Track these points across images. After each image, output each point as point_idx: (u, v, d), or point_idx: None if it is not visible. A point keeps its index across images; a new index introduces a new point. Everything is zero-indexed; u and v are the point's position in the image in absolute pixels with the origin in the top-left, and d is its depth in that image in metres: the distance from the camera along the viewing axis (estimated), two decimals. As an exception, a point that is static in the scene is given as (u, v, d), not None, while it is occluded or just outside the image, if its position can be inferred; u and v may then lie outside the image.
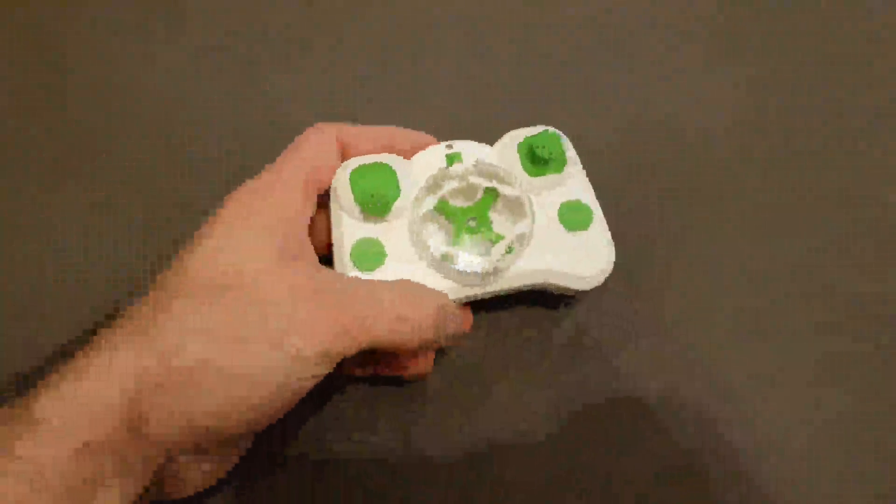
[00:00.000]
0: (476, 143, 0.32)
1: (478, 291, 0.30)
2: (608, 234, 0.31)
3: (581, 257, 0.30)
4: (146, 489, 0.24)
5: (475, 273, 0.29)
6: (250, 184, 0.28)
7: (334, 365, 0.25)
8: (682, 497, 0.32)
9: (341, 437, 0.33)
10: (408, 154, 0.32)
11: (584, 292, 0.31)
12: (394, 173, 0.30)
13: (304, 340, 0.24)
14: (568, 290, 0.31)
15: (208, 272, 0.25)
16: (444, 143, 0.32)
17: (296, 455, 0.33)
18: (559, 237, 0.31)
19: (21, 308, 0.36)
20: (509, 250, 0.30)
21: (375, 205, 0.29)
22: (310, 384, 0.25)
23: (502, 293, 0.31)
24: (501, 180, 0.31)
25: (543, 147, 0.30)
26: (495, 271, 0.29)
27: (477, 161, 0.31)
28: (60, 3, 0.46)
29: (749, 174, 0.40)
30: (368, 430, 0.33)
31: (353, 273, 0.29)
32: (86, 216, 0.39)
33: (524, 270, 0.30)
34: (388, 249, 0.30)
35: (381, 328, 0.26)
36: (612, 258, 0.31)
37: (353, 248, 0.30)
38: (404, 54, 0.44)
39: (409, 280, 0.29)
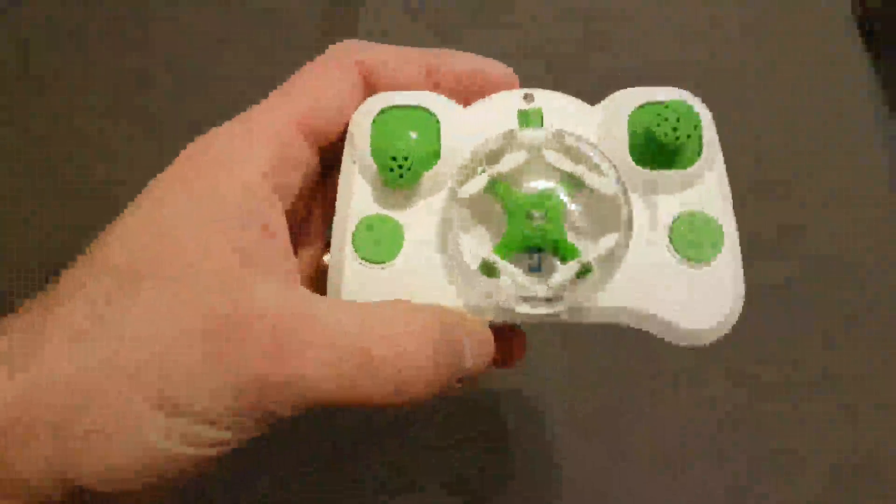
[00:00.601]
0: (570, 97, 0.22)
1: (524, 318, 0.20)
2: (740, 272, 0.20)
3: (694, 301, 0.20)
4: None
5: (522, 300, 0.20)
6: (212, 133, 0.19)
7: (259, 428, 0.18)
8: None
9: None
10: (465, 96, 0.22)
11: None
12: (436, 125, 0.21)
13: (189, 397, 0.16)
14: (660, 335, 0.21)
15: (107, 272, 0.17)
16: (520, 91, 0.22)
17: None
18: (664, 266, 0.20)
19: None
20: (584, 272, 0.20)
21: (398, 172, 0.20)
22: (213, 452, 0.17)
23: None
24: (593, 167, 0.20)
25: (673, 130, 0.19)
26: (556, 298, 0.20)
27: (561, 131, 0.20)
28: None
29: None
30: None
31: (353, 262, 0.20)
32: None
33: (602, 307, 0.20)
34: (407, 236, 0.20)
35: (327, 378, 0.17)
36: (738, 309, 0.20)
37: (360, 226, 0.20)
38: None
39: (397, 302, 0.19)
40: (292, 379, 0.17)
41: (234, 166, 0.19)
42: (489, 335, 0.20)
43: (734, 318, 0.20)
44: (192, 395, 0.16)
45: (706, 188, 0.21)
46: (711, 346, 0.20)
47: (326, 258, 0.23)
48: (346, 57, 0.21)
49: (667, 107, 0.19)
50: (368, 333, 0.18)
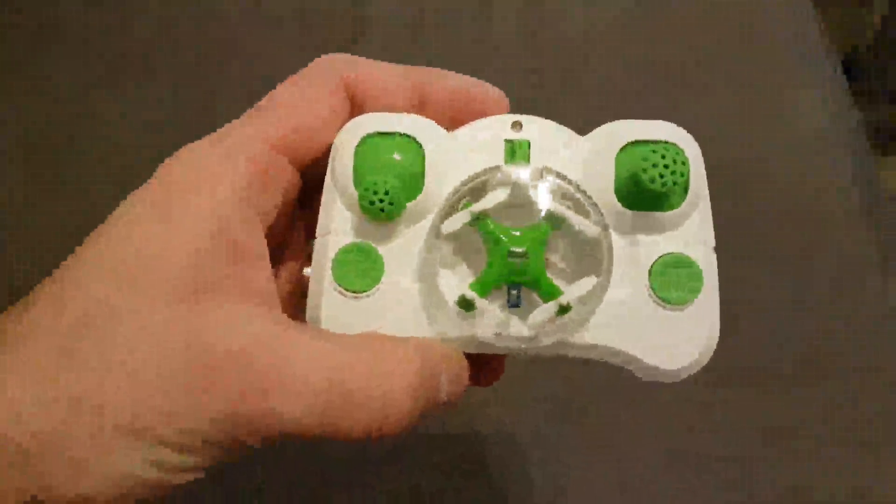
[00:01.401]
0: (558, 126, 0.21)
1: (501, 350, 0.21)
2: (716, 314, 0.21)
3: (670, 343, 0.20)
4: None
5: (499, 337, 0.20)
6: (170, 161, 0.19)
7: (231, 457, 0.18)
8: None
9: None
10: (450, 118, 0.21)
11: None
12: (421, 153, 0.20)
13: (162, 428, 0.16)
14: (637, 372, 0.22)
15: (75, 301, 0.17)
16: (508, 117, 0.21)
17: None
18: (642, 307, 0.20)
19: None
20: (562, 311, 0.20)
21: (379, 206, 0.19)
22: (184, 478, 0.17)
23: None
24: (577, 207, 0.20)
25: (660, 177, 0.19)
26: (534, 338, 0.20)
27: (547, 169, 0.20)
28: None
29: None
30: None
31: (332, 291, 0.20)
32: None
33: (579, 345, 0.21)
34: (387, 267, 0.20)
35: (304, 413, 0.17)
36: (712, 349, 0.21)
37: (340, 254, 0.20)
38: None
39: (375, 335, 0.19)
40: (267, 414, 0.17)
41: (209, 187, 0.18)
42: (465, 366, 0.20)
43: (707, 357, 0.21)
44: (165, 426, 0.16)
45: (689, 230, 0.21)
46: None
47: (307, 271, 0.23)
48: (329, 72, 0.20)
49: (655, 151, 0.19)
50: (346, 369, 0.17)
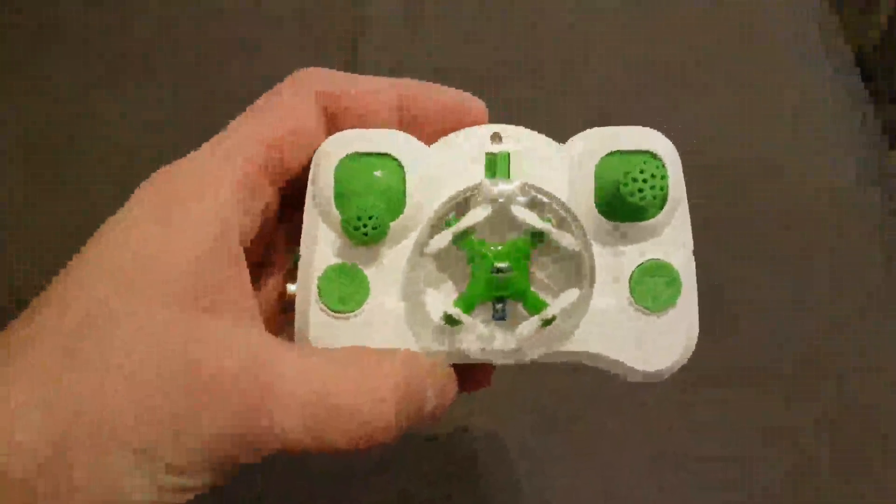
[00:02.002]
0: (537, 135, 0.21)
1: (482, 358, 0.21)
2: (695, 316, 0.21)
3: (650, 346, 0.21)
4: None
5: (485, 351, 0.21)
6: (164, 172, 0.19)
7: (227, 476, 0.18)
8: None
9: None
10: (429, 132, 0.21)
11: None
12: (400, 172, 0.20)
13: (163, 449, 0.16)
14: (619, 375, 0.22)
15: (76, 311, 0.17)
16: (488, 128, 0.21)
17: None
18: (624, 314, 0.21)
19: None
20: (547, 324, 0.20)
21: (362, 230, 0.19)
22: (182, 498, 0.17)
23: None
24: (558, 221, 0.21)
25: (639, 191, 0.19)
26: (519, 351, 0.21)
27: (527, 185, 0.21)
28: None
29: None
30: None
31: (318, 311, 0.20)
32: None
33: (562, 352, 0.21)
34: (373, 286, 0.20)
35: (295, 428, 0.17)
36: (692, 348, 0.21)
37: (325, 274, 0.20)
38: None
39: (362, 349, 0.19)
40: (264, 431, 0.17)
41: (212, 191, 0.18)
42: (452, 379, 0.21)
43: (688, 356, 0.21)
44: (166, 446, 0.16)
45: (668, 237, 0.21)
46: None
47: (292, 288, 0.23)
48: (305, 87, 0.20)
49: (634, 164, 0.19)
50: (332, 384, 0.18)
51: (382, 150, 0.20)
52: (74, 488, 0.16)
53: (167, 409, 0.16)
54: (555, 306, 0.20)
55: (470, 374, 0.22)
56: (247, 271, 0.19)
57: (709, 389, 0.35)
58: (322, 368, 0.18)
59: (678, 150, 0.21)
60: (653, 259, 0.21)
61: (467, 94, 0.21)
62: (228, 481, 0.18)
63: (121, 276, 0.17)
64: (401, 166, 0.20)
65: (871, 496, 0.33)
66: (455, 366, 0.21)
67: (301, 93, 0.20)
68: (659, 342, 0.21)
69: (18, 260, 0.38)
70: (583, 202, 0.21)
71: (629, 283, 0.21)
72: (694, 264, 0.21)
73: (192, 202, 0.18)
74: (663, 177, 0.19)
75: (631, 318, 0.21)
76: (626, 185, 0.19)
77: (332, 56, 0.45)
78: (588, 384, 0.34)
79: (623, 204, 0.20)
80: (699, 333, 0.21)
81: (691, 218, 0.21)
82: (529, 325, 0.20)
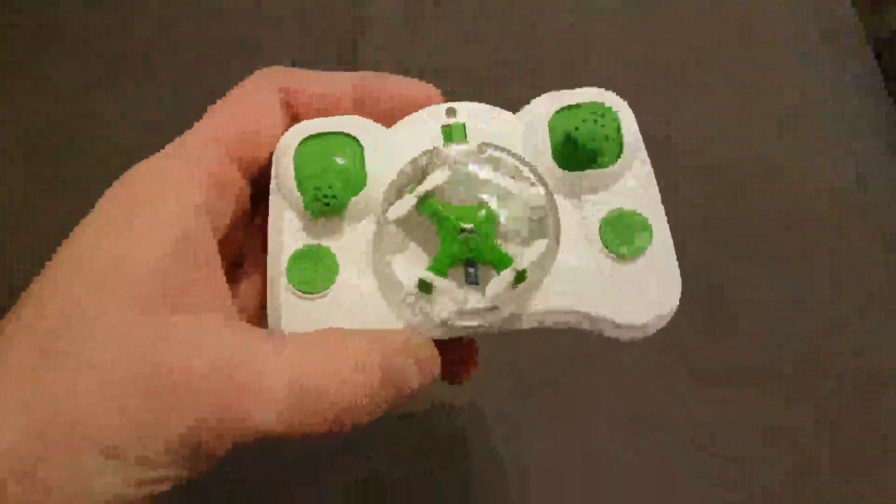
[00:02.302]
0: (491, 107, 0.22)
1: (467, 330, 0.20)
2: (673, 262, 0.21)
3: (629, 296, 0.20)
4: None
5: (461, 314, 0.20)
6: (131, 174, 0.19)
7: (199, 467, 0.18)
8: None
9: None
10: (387, 118, 0.21)
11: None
12: (359, 150, 0.21)
13: (134, 445, 0.16)
14: (602, 333, 0.21)
15: (42, 319, 0.17)
16: (442, 106, 0.22)
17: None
18: (598, 265, 0.21)
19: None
20: (519, 279, 0.20)
21: (323, 201, 0.20)
22: (158, 489, 0.17)
23: (500, 329, 0.21)
24: (518, 176, 0.21)
25: (590, 132, 0.20)
26: (495, 310, 0.20)
27: (484, 143, 0.21)
28: None
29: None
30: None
31: (289, 295, 0.20)
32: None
33: (541, 311, 0.21)
34: (342, 264, 0.20)
35: (270, 420, 0.17)
36: (676, 299, 0.21)
37: (293, 258, 0.20)
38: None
39: (333, 330, 0.19)
40: (239, 429, 0.17)
41: (173, 194, 0.18)
42: (433, 353, 0.20)
43: (672, 307, 0.21)
44: (137, 443, 0.16)
45: (631, 185, 0.21)
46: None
47: None
48: (268, 84, 0.21)
49: (586, 111, 0.20)
50: (300, 367, 0.18)
51: (340, 130, 0.21)
52: (48, 488, 0.16)
53: (134, 409, 0.16)
54: (524, 260, 0.20)
55: (455, 355, 0.22)
56: (220, 270, 0.19)
57: (709, 389, 0.35)
58: (290, 353, 0.18)
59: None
60: (618, 208, 0.21)
61: (423, 83, 0.22)
62: (207, 473, 0.18)
63: (92, 277, 0.17)
64: (360, 145, 0.21)
65: (871, 496, 0.33)
66: (438, 348, 0.21)
67: (263, 90, 0.21)
68: (639, 292, 0.21)
69: (18, 260, 0.38)
70: (540, 157, 0.21)
71: (599, 234, 0.21)
72: (663, 214, 0.21)
73: (158, 202, 0.18)
74: (614, 119, 0.20)
75: (603, 268, 0.21)
76: (577, 129, 0.20)
77: (331, 56, 0.45)
78: (565, 346, 0.34)
79: (578, 150, 0.20)
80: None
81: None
82: (500, 281, 0.20)
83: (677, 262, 0.21)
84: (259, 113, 0.20)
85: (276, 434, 0.17)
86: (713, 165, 0.39)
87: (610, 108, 0.21)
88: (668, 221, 0.21)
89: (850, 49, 0.45)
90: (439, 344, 0.21)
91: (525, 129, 0.21)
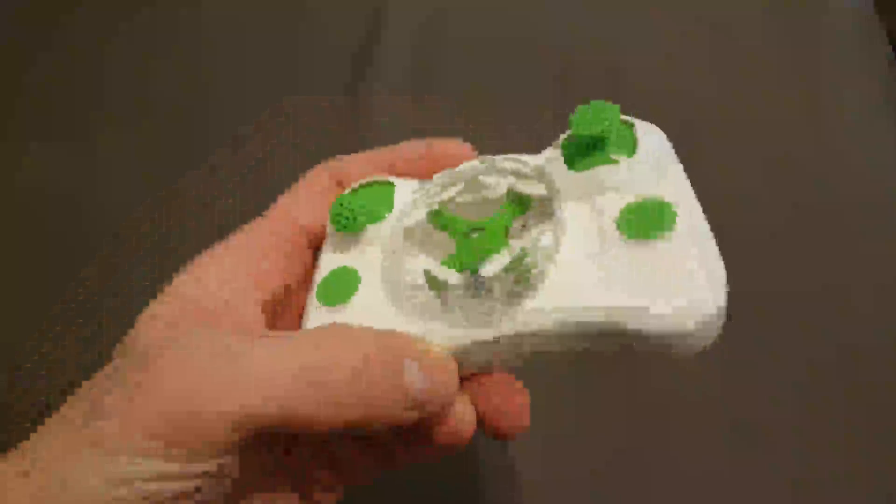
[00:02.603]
0: (522, 156, 0.22)
1: (473, 336, 0.19)
2: (709, 243, 0.18)
3: (653, 281, 0.17)
4: None
5: (458, 295, 0.19)
6: (233, 235, 0.23)
7: (220, 459, 0.17)
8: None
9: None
10: (428, 175, 0.23)
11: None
12: (391, 188, 0.23)
13: (119, 427, 0.17)
14: (641, 344, 0.18)
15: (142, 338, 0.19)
16: (479, 159, 0.22)
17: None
18: (617, 252, 0.18)
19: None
20: (518, 261, 0.18)
21: (343, 214, 0.21)
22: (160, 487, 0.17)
23: (522, 344, 0.19)
24: (521, 176, 0.21)
25: (587, 121, 0.19)
26: (500, 294, 0.19)
27: (493, 157, 0.21)
28: None
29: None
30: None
31: (317, 309, 0.21)
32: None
33: (550, 307, 0.18)
34: (363, 279, 0.21)
35: (267, 405, 0.17)
36: (721, 288, 0.17)
37: (325, 279, 0.22)
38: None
39: (339, 325, 0.20)
40: (234, 416, 0.17)
41: (238, 261, 0.22)
42: (442, 360, 0.20)
43: (713, 305, 0.17)
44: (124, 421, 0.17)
45: (650, 178, 0.19)
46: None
47: None
48: (324, 173, 0.24)
49: (586, 108, 0.20)
50: (299, 349, 0.18)
51: (379, 179, 0.23)
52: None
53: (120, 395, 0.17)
54: (524, 241, 0.20)
55: (496, 400, 0.21)
56: (259, 309, 0.21)
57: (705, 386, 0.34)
58: (294, 346, 0.18)
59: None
60: (638, 200, 0.19)
61: (455, 142, 0.24)
62: (227, 460, 0.18)
63: (190, 306, 0.20)
64: (391, 184, 0.23)
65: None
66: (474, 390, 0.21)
67: (322, 179, 0.24)
68: (667, 274, 0.17)
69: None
70: (556, 169, 0.20)
71: (615, 222, 0.19)
72: (692, 194, 0.19)
73: (238, 261, 0.22)
74: (613, 109, 0.19)
75: (623, 253, 0.18)
76: (576, 118, 0.20)
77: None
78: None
79: (583, 143, 0.20)
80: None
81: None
82: (497, 262, 0.19)
83: (718, 251, 0.18)
84: (314, 200, 0.24)
85: (272, 417, 0.17)
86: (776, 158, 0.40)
87: (608, 104, 0.20)
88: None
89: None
90: (475, 384, 0.21)
91: (547, 157, 0.21)
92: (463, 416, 0.20)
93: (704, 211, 0.19)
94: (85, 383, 0.18)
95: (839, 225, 0.39)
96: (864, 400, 0.35)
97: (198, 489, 0.17)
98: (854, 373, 0.35)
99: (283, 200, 0.24)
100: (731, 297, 0.18)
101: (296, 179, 0.24)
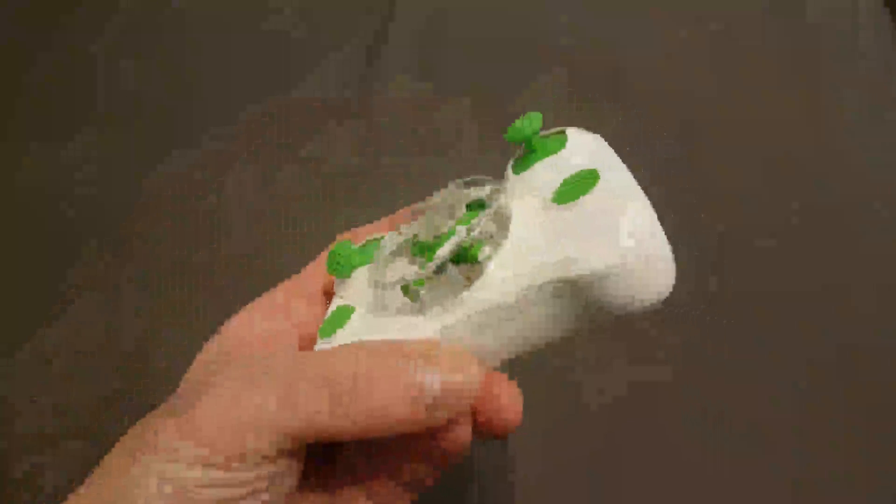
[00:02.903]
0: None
1: (445, 321, 0.21)
2: (637, 191, 0.20)
3: (587, 231, 0.20)
4: None
5: (426, 288, 0.22)
6: (274, 290, 0.27)
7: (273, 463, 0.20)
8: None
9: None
10: None
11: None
12: (382, 238, 0.26)
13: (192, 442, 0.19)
14: (598, 295, 0.19)
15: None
16: (440, 191, 0.25)
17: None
18: (549, 218, 0.21)
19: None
20: (465, 252, 0.21)
21: (335, 260, 0.25)
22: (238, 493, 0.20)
23: (500, 326, 0.21)
24: (476, 184, 0.24)
25: (518, 127, 0.22)
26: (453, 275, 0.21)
27: (452, 183, 0.25)
28: None
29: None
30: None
31: (318, 344, 0.24)
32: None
33: (508, 275, 0.20)
34: (356, 310, 0.24)
35: (321, 410, 0.19)
36: (656, 234, 0.20)
37: (326, 319, 0.25)
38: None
39: (356, 343, 0.22)
40: (293, 420, 0.19)
41: (275, 316, 0.26)
42: (460, 356, 0.21)
43: (653, 249, 0.19)
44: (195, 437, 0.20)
45: (580, 161, 0.22)
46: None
47: None
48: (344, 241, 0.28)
49: (517, 121, 0.23)
50: (327, 367, 0.20)
51: (374, 236, 0.26)
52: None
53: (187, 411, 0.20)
54: (473, 229, 0.21)
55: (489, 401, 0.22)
56: (295, 347, 0.25)
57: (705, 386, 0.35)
58: (318, 357, 0.21)
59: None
60: (567, 178, 0.21)
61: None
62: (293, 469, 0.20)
63: (239, 348, 0.24)
64: (383, 236, 0.25)
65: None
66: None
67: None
68: (596, 225, 0.20)
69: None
70: (508, 179, 0.24)
71: (553, 198, 0.21)
72: (623, 166, 0.21)
73: (277, 314, 0.26)
74: (536, 116, 0.22)
75: (555, 217, 0.21)
76: (508, 131, 0.23)
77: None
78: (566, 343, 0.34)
79: (523, 153, 0.23)
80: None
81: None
82: (446, 246, 0.21)
83: (649, 201, 0.20)
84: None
85: (322, 424, 0.19)
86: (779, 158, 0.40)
87: (537, 113, 0.23)
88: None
89: None
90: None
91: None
92: (511, 396, 0.21)
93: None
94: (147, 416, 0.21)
95: (839, 225, 0.40)
96: (864, 400, 0.35)
97: (243, 497, 0.19)
98: (854, 373, 0.36)
99: (311, 266, 0.28)
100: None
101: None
